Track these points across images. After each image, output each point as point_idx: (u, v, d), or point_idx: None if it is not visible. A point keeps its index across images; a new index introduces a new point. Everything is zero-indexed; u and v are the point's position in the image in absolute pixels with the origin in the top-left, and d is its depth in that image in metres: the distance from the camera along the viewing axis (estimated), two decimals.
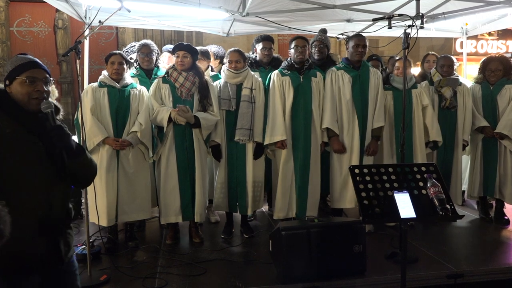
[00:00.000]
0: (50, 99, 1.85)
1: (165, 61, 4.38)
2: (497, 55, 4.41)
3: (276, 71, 3.85)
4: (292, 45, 3.80)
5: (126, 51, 4.29)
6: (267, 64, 4.13)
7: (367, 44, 3.90)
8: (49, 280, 1.87)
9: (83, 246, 3.24)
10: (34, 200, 1.73)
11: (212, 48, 4.51)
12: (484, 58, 4.40)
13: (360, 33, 4.60)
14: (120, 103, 3.47)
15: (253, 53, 4.30)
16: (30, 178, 1.73)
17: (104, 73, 3.54)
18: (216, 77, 4.08)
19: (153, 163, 3.77)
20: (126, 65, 3.55)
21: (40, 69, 1.81)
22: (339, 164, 3.91)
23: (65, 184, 1.86)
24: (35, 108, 1.78)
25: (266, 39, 4.09)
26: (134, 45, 4.23)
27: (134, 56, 4.11)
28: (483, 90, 4.24)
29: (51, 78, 1.89)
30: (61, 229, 1.86)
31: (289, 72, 3.79)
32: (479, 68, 4.35)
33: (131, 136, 3.47)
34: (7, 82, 1.77)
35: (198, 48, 4.43)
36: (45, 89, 1.80)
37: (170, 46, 4.72)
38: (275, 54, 4.34)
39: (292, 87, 3.75)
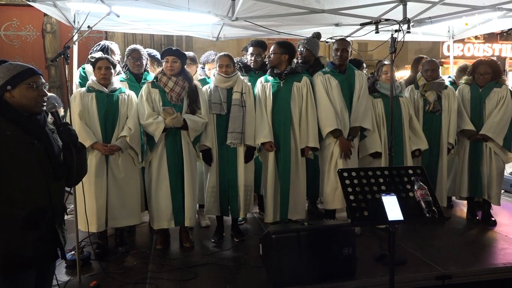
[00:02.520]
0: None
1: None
2: (486, 59, 4.43)
3: (262, 77, 3.91)
4: None
5: (91, 51, 4.24)
6: (257, 70, 4.14)
7: (350, 48, 3.93)
8: (41, 270, 2.00)
9: (73, 252, 3.22)
10: (35, 196, 1.86)
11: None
12: (474, 61, 4.43)
13: (348, 37, 4.65)
14: (108, 108, 3.45)
15: (245, 57, 4.32)
16: (30, 176, 1.86)
17: (92, 78, 3.52)
18: (204, 81, 4.12)
19: (142, 169, 3.76)
20: (114, 69, 3.53)
21: (40, 75, 1.97)
22: (328, 166, 3.93)
23: (61, 181, 2.02)
24: (39, 111, 1.94)
25: (256, 45, 4.07)
26: (100, 44, 4.21)
27: (117, 57, 4.11)
28: (472, 92, 4.29)
29: (46, 83, 2.04)
30: (60, 223, 2.00)
31: (272, 78, 3.84)
32: (469, 71, 4.40)
33: (120, 141, 3.45)
34: (9, 88, 1.88)
35: (185, 53, 4.44)
36: (46, 93, 1.98)
37: (150, 50, 4.70)
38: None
39: (271, 92, 3.79)
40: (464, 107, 4.31)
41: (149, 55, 4.47)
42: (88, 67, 3.97)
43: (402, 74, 10.48)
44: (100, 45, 4.15)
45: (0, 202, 1.78)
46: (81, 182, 2.85)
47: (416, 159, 4.25)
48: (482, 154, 4.23)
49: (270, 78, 3.86)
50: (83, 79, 3.96)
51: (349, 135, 3.89)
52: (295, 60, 4.08)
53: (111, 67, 3.49)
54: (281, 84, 3.82)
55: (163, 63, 3.60)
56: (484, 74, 4.20)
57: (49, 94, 2.51)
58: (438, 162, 4.29)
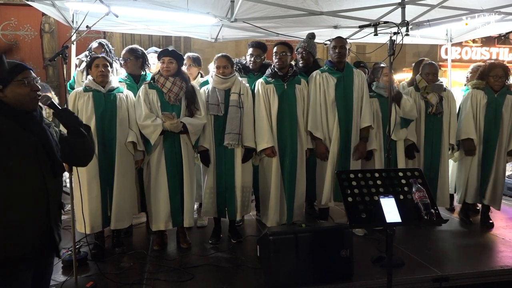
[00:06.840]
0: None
1: (154, 62, 4.36)
2: (498, 62, 4.34)
3: (261, 80, 3.85)
4: (273, 52, 3.82)
5: (89, 50, 4.25)
6: (256, 71, 4.11)
7: (348, 47, 3.95)
8: (39, 270, 1.97)
9: (69, 252, 3.21)
10: (31, 192, 1.83)
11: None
12: (487, 63, 4.35)
13: (347, 39, 4.63)
14: (105, 107, 3.42)
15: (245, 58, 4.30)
16: (26, 171, 1.82)
17: (89, 77, 3.49)
18: (207, 83, 4.11)
19: (139, 170, 3.75)
20: (111, 67, 3.51)
21: (30, 71, 1.92)
22: (324, 166, 3.96)
23: (59, 178, 1.98)
24: (34, 107, 1.89)
25: (255, 46, 4.03)
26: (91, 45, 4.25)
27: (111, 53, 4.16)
28: (488, 97, 4.16)
29: (38, 77, 2.00)
30: (56, 220, 1.96)
31: (273, 80, 3.80)
32: (480, 73, 4.27)
33: (139, 155, 3.61)
34: (0, 87, 1.83)
35: (190, 54, 4.44)
36: (39, 87, 1.93)
37: (155, 48, 4.72)
38: (267, 61, 4.25)
39: (277, 94, 3.77)
40: (477, 112, 4.19)
41: (154, 52, 4.49)
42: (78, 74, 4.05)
43: (400, 77, 10.50)
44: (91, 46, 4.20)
45: None
46: (78, 183, 2.87)
47: (416, 159, 4.24)
48: (493, 160, 4.19)
49: (270, 79, 3.82)
50: (72, 87, 4.10)
51: (361, 137, 3.93)
52: (293, 62, 4.08)
53: (108, 64, 3.46)
54: (285, 86, 3.81)
55: (160, 64, 3.59)
56: (501, 77, 4.11)
57: None
58: (440, 163, 4.28)
